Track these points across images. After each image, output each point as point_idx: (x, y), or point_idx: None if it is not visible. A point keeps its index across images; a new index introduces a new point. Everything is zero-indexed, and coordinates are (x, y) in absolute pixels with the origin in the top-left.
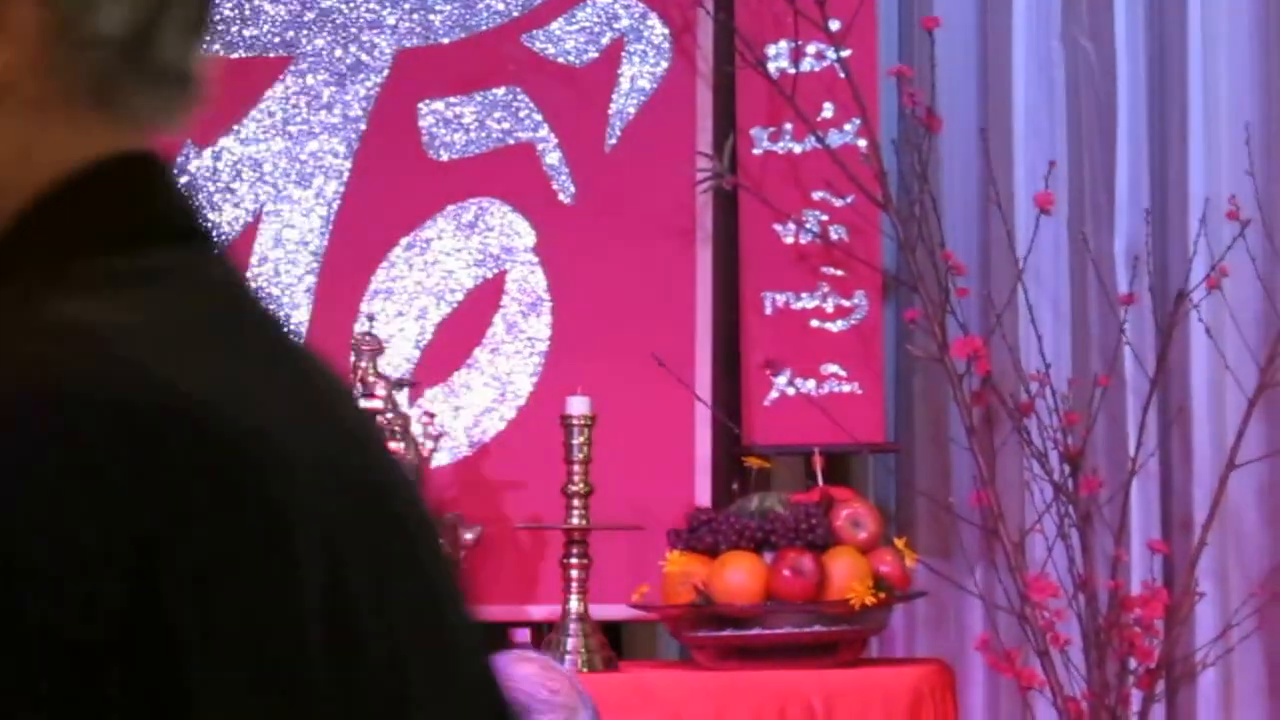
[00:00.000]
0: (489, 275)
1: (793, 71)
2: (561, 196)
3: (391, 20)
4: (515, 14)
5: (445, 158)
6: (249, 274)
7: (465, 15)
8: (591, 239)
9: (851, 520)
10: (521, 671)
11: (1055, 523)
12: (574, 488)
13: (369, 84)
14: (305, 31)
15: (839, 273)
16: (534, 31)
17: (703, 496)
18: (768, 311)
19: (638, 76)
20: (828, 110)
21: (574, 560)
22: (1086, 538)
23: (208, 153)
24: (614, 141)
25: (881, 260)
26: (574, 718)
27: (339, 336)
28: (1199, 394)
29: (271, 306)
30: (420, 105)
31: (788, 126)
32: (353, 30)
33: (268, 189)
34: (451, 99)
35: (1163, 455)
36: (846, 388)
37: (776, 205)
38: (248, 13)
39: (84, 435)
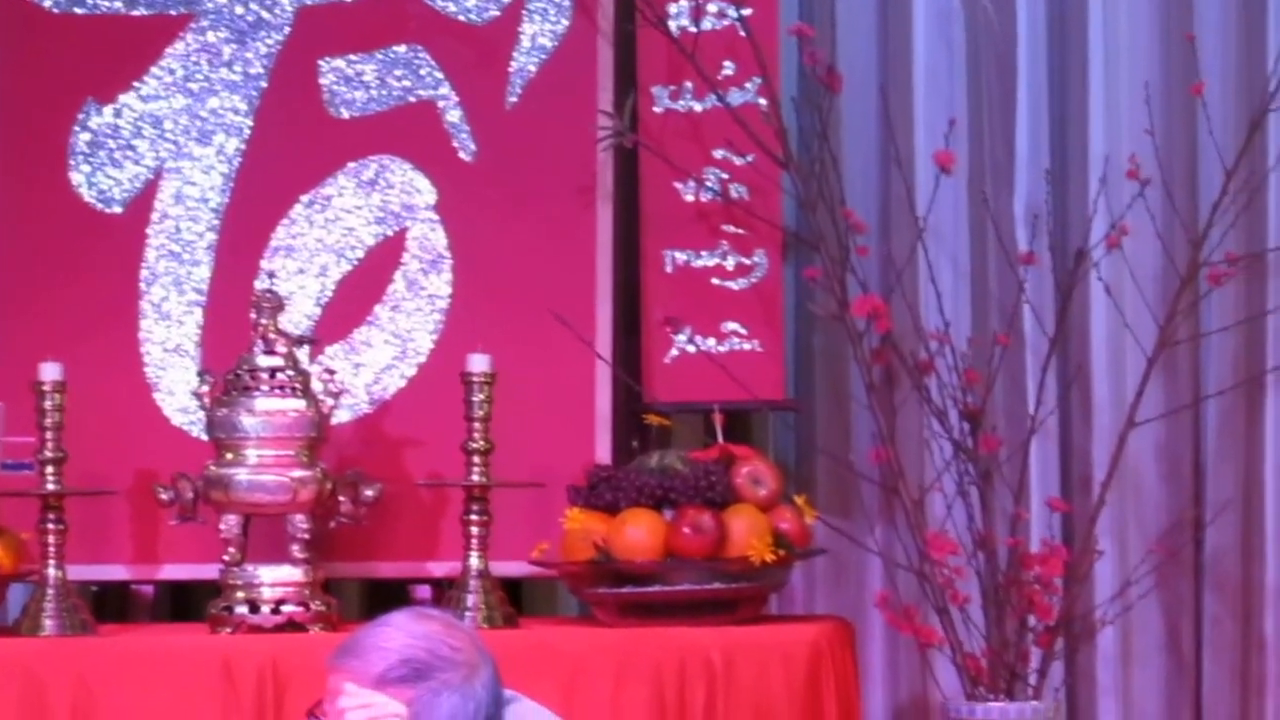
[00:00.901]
0: (390, 233)
1: (694, 30)
2: (462, 154)
3: None
4: None
5: (346, 115)
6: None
7: None
8: (492, 197)
9: (751, 478)
10: (424, 629)
11: (955, 480)
12: (474, 445)
13: (270, 41)
14: None
15: (739, 231)
16: None
17: (603, 454)
18: (668, 269)
19: (539, 34)
20: (728, 68)
21: (474, 517)
22: (986, 496)
23: (109, 110)
24: (515, 99)
25: (782, 218)
26: (475, 675)
27: (240, 293)
28: (1098, 352)
29: None
30: (321, 63)
31: (688, 85)
32: None
33: (169, 146)
34: (352, 56)
35: (1062, 413)
36: (747, 345)
37: (677, 163)
38: None
39: None
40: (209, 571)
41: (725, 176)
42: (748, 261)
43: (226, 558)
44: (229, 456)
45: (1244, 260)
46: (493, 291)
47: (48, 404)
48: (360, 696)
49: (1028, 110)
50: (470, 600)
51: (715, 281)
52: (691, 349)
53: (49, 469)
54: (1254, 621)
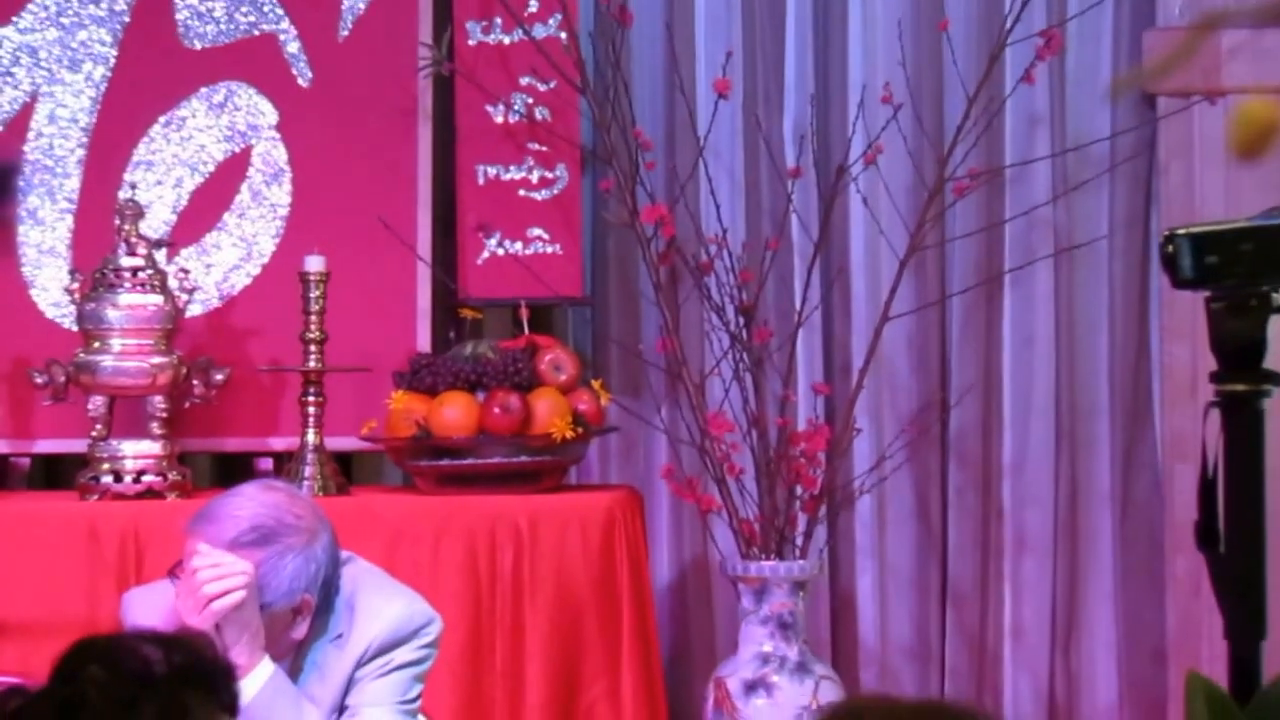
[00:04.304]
0: (237, 149)
1: None
2: (300, 81)
3: None
4: None
5: (199, 46)
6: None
7: None
8: (327, 118)
9: (553, 364)
10: (271, 498)
11: (731, 367)
12: (310, 335)
13: None
14: None
15: (543, 148)
16: None
17: (423, 343)
18: (480, 182)
19: None
20: (533, 5)
21: (310, 399)
22: (759, 381)
23: None
24: (346, 33)
25: (580, 137)
26: (315, 539)
27: (105, 202)
28: (857, 255)
29: None
30: (176, 0)
31: (498, 20)
32: None
33: (43, 73)
34: None
35: (825, 309)
36: (549, 249)
37: (488, 89)
38: None
39: None
40: (78, 446)
41: (530, 100)
42: (550, 175)
43: (93, 434)
44: (96, 345)
45: (984, 175)
46: (327, 201)
47: None
48: (213, 556)
49: (795, 43)
50: (307, 471)
51: (521, 192)
52: (501, 251)
53: None
54: (993, 492)
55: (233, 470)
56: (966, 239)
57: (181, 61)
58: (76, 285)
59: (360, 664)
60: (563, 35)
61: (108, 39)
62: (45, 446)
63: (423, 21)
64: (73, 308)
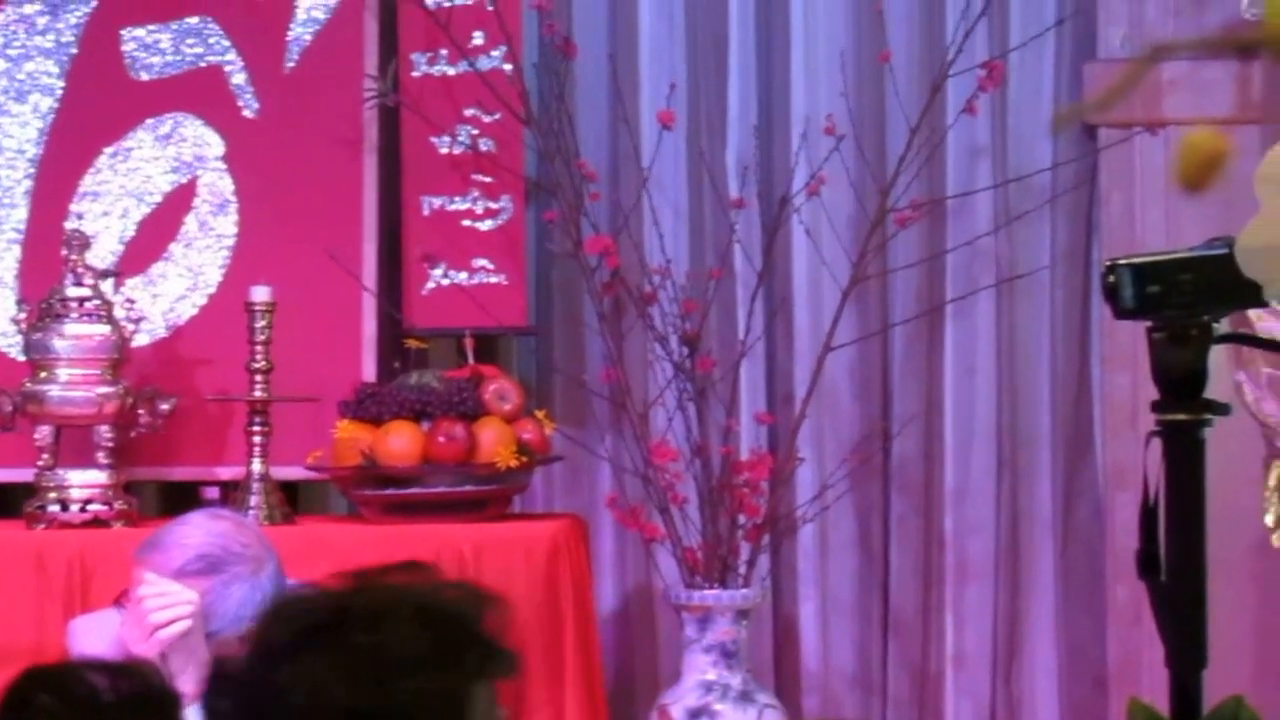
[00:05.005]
0: (183, 180)
1: (448, 4)
2: (246, 112)
3: None
4: None
5: (145, 78)
6: None
7: None
8: (273, 149)
9: (498, 394)
10: (218, 527)
11: (675, 397)
12: (257, 365)
13: (79, 13)
14: None
15: (488, 179)
16: None
17: (369, 373)
18: (425, 213)
19: (313, 7)
20: (478, 38)
21: (257, 428)
22: (702, 410)
23: None
24: (292, 64)
25: (524, 168)
26: (261, 568)
27: (52, 232)
28: (799, 286)
29: None
30: (123, 32)
31: (443, 52)
32: None
33: None
34: (151, 27)
35: (768, 339)
36: (494, 279)
37: (433, 120)
38: None
39: None
40: (25, 475)
41: (475, 132)
42: (494, 206)
43: (40, 463)
44: (43, 375)
45: (926, 206)
46: (273, 232)
47: None
48: (159, 585)
49: (738, 75)
50: (253, 500)
51: (466, 223)
52: (446, 282)
53: None
54: (934, 520)
55: (179, 499)
56: (909, 269)
57: (128, 93)
58: (24, 315)
59: None
60: (507, 67)
61: (55, 70)
62: None
63: (368, 53)
64: (20, 338)
